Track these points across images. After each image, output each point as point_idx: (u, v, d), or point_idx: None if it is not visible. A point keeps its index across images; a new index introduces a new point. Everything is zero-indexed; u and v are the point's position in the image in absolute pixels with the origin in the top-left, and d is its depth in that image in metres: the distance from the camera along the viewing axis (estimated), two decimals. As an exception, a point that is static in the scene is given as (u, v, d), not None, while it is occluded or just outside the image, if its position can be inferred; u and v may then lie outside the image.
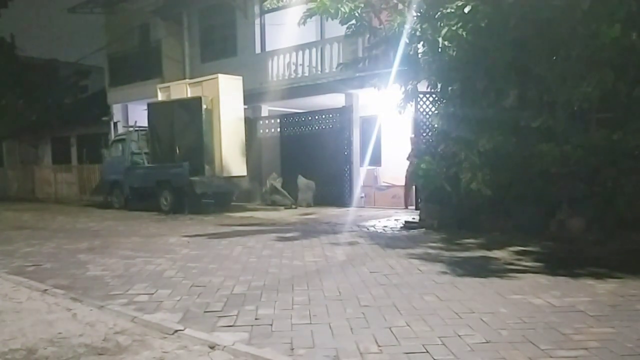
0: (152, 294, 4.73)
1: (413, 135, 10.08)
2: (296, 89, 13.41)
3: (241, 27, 15.39)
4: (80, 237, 8.71)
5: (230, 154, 12.41)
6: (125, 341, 3.46)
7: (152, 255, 6.70)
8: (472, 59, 7.30)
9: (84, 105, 22.58)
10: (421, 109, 9.55)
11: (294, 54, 13.89)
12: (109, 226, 10.33)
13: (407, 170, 10.38)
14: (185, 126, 12.37)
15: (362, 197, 12.69)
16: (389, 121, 13.12)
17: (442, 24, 7.12)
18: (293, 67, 13.95)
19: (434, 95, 9.16)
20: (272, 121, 14.49)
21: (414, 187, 10.81)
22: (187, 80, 13.93)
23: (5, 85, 21.07)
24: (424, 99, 9.47)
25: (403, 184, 11.91)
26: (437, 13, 7.30)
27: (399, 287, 4.80)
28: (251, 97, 13.67)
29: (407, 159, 10.30)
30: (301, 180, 12.88)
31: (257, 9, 14.81)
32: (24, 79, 21.58)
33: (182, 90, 12.91)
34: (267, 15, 14.68)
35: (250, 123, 14.05)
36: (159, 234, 8.88)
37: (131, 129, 14.55)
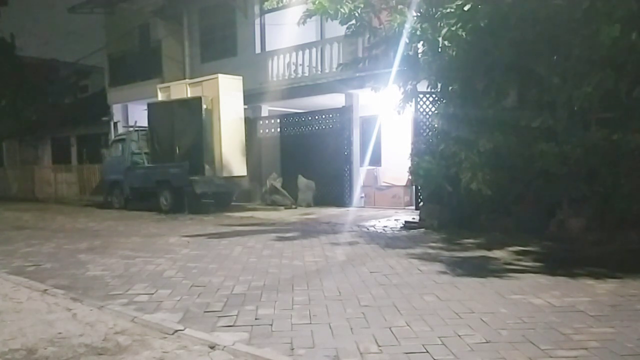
0: (152, 294, 4.73)
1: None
2: (296, 89, 13.41)
3: (241, 27, 15.39)
4: (80, 237, 8.71)
5: (230, 154, 12.41)
6: (125, 341, 3.46)
7: (152, 255, 6.70)
8: (472, 59, 7.31)
9: (84, 105, 22.60)
10: (421, 109, 9.54)
11: (294, 54, 13.89)
12: (109, 226, 10.33)
13: None
14: (185, 126, 12.37)
15: (362, 197, 12.68)
16: (389, 121, 13.11)
17: (442, 24, 7.13)
18: (293, 67, 13.95)
19: (433, 95, 9.15)
20: (272, 121, 14.48)
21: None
22: (187, 80, 13.93)
23: (5, 85, 21.07)
24: (424, 99, 9.47)
25: (404, 184, 11.93)
26: (437, 13, 7.31)
27: (399, 287, 4.80)
28: (251, 97, 13.67)
29: None
30: (301, 180, 12.88)
31: (257, 9, 14.81)
32: (24, 79, 21.59)
33: (182, 90, 12.91)
34: (267, 15, 14.68)
35: (250, 123, 14.04)
36: (159, 234, 8.87)
37: (131, 129, 14.56)
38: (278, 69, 14.29)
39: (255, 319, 3.92)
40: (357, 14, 8.12)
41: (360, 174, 12.78)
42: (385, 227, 9.09)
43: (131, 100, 17.66)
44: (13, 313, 4.19)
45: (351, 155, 12.67)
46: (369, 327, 3.69)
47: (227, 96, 12.32)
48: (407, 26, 7.67)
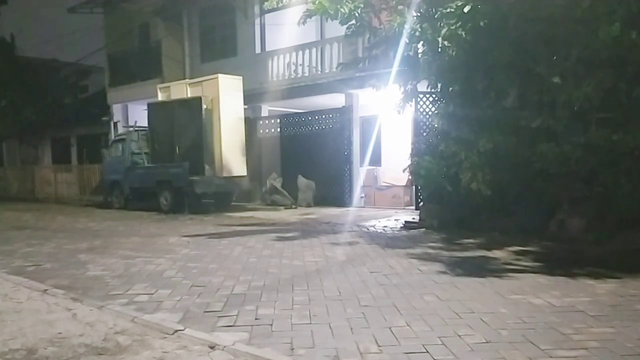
0: (152, 294, 4.73)
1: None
2: (296, 89, 13.41)
3: (241, 27, 15.39)
4: (80, 237, 8.71)
5: (230, 154, 12.41)
6: (125, 341, 3.46)
7: (152, 255, 6.70)
8: (472, 59, 7.31)
9: (84, 105, 22.61)
10: (421, 109, 9.55)
11: (294, 54, 13.89)
12: (109, 226, 10.33)
13: None
14: (185, 126, 12.37)
15: (362, 197, 12.68)
16: (389, 121, 13.11)
17: (441, 24, 7.13)
18: (293, 67, 13.95)
19: (434, 95, 9.16)
20: (272, 121, 14.49)
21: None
22: (187, 80, 13.93)
23: (5, 85, 21.08)
24: (424, 99, 9.47)
25: (404, 184, 11.92)
26: (436, 13, 7.31)
27: (399, 287, 4.80)
28: (251, 97, 13.66)
29: None
30: (301, 180, 12.88)
31: (257, 9, 14.80)
32: (24, 79, 21.59)
33: (182, 90, 12.91)
34: (267, 15, 14.68)
35: (250, 123, 14.05)
36: (159, 234, 8.87)
37: (131, 129, 14.56)
38: (278, 69, 14.29)
39: (255, 319, 3.92)
40: (357, 14, 8.12)
41: (360, 174, 12.77)
42: (385, 227, 9.09)
43: (131, 100, 17.65)
44: (13, 313, 4.19)
45: (351, 155, 12.66)
46: (369, 327, 3.69)
47: (227, 96, 12.32)
48: (407, 26, 7.67)
